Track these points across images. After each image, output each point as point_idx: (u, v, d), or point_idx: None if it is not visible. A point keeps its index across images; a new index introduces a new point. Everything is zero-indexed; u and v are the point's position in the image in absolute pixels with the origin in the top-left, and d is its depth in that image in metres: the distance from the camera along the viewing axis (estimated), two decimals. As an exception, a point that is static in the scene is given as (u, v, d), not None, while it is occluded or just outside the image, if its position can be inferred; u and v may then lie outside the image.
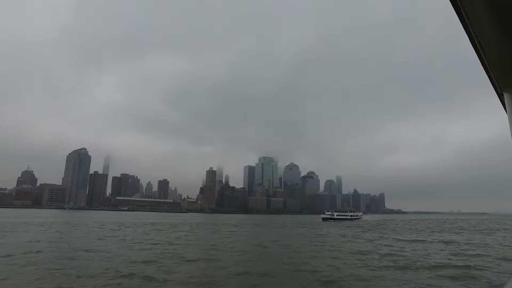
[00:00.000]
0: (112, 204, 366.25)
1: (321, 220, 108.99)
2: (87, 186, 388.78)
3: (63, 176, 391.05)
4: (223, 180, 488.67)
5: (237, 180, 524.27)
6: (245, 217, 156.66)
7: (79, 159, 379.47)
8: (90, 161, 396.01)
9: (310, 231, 55.75)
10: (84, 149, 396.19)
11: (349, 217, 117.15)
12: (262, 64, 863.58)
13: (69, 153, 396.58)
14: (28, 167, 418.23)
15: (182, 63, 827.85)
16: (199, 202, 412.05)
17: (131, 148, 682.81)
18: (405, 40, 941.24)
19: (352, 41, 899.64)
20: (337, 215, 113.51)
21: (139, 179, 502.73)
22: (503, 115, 2.11)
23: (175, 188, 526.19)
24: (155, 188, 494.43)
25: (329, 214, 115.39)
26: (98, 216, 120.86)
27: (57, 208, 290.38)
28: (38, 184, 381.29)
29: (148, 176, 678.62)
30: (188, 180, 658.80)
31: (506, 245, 32.67)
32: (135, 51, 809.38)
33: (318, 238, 41.41)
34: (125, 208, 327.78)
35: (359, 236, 44.61)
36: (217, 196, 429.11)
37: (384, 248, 30.04)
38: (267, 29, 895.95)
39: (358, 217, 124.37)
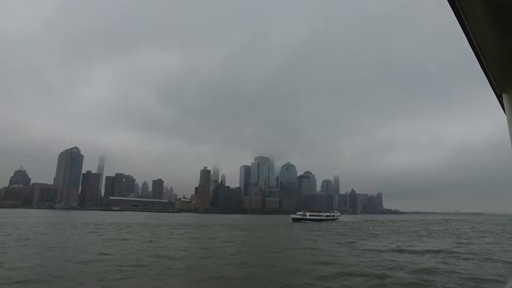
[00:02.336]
0: (105, 204, 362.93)
1: (291, 220, 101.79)
2: (79, 186, 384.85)
3: (54, 176, 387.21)
4: (220, 180, 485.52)
5: (233, 180, 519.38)
6: (231, 217, 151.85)
7: (71, 158, 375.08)
8: (82, 161, 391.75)
9: (270, 233, 51.11)
10: (76, 148, 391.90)
11: (324, 217, 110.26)
12: (256, 59, 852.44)
13: (61, 152, 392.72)
14: (21, 167, 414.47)
15: (173, 58, 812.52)
16: (193, 202, 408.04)
17: (126, 147, 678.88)
18: (403, 38, 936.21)
19: (348, 37, 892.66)
20: (310, 215, 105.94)
21: (134, 179, 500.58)
22: (501, 115, 2.09)
23: (171, 188, 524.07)
24: (150, 188, 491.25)
25: (300, 214, 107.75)
26: (85, 216, 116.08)
27: (47, 208, 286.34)
28: (31, 184, 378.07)
29: (144, 175, 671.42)
30: (184, 179, 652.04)
31: (487, 258, 23.75)
32: (124, 45, 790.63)
33: (265, 243, 36.69)
34: (117, 208, 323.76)
35: (318, 240, 39.51)
36: (212, 196, 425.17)
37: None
38: (261, 23, 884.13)
39: (334, 217, 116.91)
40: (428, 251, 26.55)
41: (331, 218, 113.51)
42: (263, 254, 25.79)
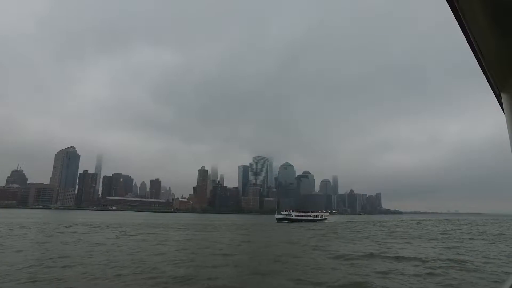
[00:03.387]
0: (101, 204, 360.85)
1: (276, 221, 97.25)
2: (76, 186, 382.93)
3: (51, 176, 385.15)
4: (218, 180, 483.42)
5: (232, 180, 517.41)
6: (222, 217, 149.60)
7: (67, 158, 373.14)
8: (79, 160, 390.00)
9: (237, 236, 48.43)
10: (73, 147, 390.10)
11: (311, 217, 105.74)
12: (252, 57, 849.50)
13: (57, 152, 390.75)
14: (18, 167, 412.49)
15: (169, 56, 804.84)
16: (191, 202, 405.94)
17: (124, 147, 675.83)
18: (402, 38, 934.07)
19: (347, 35, 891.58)
20: (295, 216, 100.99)
21: (132, 179, 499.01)
22: (500, 115, 2.08)
23: (169, 187, 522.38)
24: (149, 188, 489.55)
25: (285, 214, 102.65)
26: (79, 216, 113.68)
27: (42, 208, 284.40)
28: (27, 184, 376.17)
29: (143, 175, 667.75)
30: (182, 179, 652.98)
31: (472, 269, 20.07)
32: (119, 43, 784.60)
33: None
34: (113, 208, 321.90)
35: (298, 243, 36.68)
36: (210, 196, 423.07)
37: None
38: (257, 21, 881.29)
39: (322, 218, 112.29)
40: (405, 258, 23.76)
41: (319, 218, 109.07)
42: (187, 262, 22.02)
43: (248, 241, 37.74)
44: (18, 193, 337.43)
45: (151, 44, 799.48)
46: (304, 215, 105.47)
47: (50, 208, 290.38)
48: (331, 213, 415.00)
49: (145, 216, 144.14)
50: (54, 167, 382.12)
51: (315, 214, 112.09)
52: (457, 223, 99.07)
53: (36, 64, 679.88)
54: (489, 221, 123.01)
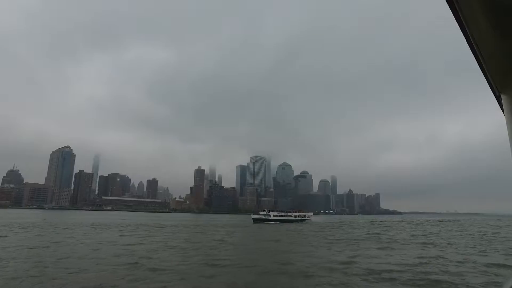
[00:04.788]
0: (97, 204, 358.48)
1: (252, 221, 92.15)
2: (71, 186, 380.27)
3: (46, 175, 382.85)
4: (216, 180, 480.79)
5: (230, 180, 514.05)
6: (213, 217, 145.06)
7: (62, 157, 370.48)
8: (74, 160, 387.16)
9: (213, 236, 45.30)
10: (68, 147, 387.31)
11: (292, 218, 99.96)
12: (249, 54, 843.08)
13: (53, 152, 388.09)
14: (14, 166, 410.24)
15: (164, 53, 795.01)
16: (187, 202, 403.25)
17: (122, 147, 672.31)
18: (401, 38, 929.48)
19: (345, 33, 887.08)
20: (274, 216, 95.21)
21: (130, 179, 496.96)
22: (500, 115, 2.09)
23: (167, 188, 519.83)
24: (146, 188, 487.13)
25: (263, 214, 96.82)
26: (70, 217, 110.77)
27: (36, 208, 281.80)
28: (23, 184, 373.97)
29: (141, 175, 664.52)
30: (179, 179, 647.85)
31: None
32: (113, 40, 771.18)
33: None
34: (108, 208, 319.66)
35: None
36: (206, 196, 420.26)
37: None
38: (253, 17, 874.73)
39: (304, 218, 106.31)
40: (368, 271, 19.15)
41: (301, 219, 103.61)
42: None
43: (174, 246, 31.97)
44: (12, 193, 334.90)
45: (144, 41, 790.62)
46: (284, 216, 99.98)
47: (44, 208, 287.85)
48: (329, 213, 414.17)
49: (132, 216, 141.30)
50: (49, 167, 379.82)
51: (297, 214, 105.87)
52: (450, 224, 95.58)
53: (27, 61, 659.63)
54: (485, 221, 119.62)
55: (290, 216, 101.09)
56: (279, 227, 69.93)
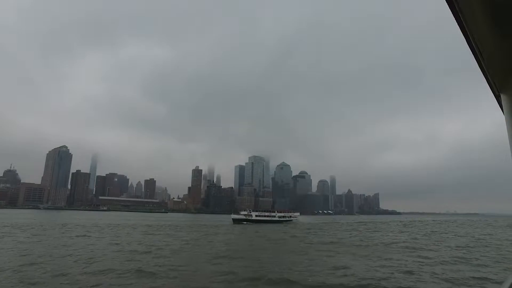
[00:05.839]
0: (94, 204, 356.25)
1: (232, 222, 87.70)
2: (68, 186, 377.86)
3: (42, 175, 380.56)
4: (213, 180, 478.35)
5: (229, 180, 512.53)
6: (206, 217, 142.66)
7: (59, 157, 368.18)
8: (71, 160, 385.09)
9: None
10: (65, 146, 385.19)
11: (276, 218, 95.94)
12: (245, 51, 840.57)
13: (49, 151, 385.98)
14: (11, 166, 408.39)
15: (159, 49, 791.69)
16: (185, 202, 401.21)
17: (120, 147, 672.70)
18: (401, 38, 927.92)
19: (342, 31, 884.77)
20: (256, 216, 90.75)
21: (128, 179, 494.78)
22: (500, 115, 2.09)
23: (166, 188, 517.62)
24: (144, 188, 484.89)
25: (244, 214, 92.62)
26: (63, 217, 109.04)
27: (31, 208, 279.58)
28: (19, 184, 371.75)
29: (139, 175, 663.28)
30: (178, 179, 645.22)
31: None
32: (108, 37, 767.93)
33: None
34: (104, 208, 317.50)
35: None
36: (204, 196, 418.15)
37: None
38: (250, 14, 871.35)
39: (290, 219, 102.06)
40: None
41: (286, 219, 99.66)
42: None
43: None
44: (8, 193, 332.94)
45: (140, 38, 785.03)
46: (268, 216, 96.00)
47: (40, 208, 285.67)
48: (327, 213, 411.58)
49: (126, 216, 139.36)
50: (46, 167, 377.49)
51: (282, 214, 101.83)
52: (445, 224, 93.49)
53: (20, 58, 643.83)
54: (482, 221, 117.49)
55: (274, 216, 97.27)
56: (257, 228, 66.74)
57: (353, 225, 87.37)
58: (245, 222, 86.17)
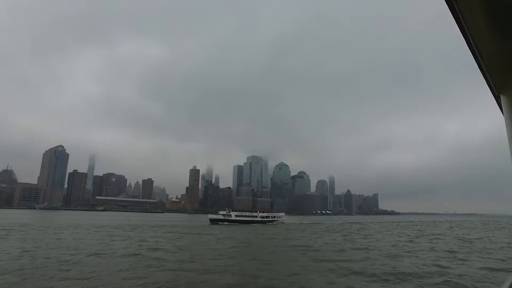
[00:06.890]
0: (91, 204, 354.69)
1: (209, 222, 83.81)
2: (64, 185, 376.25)
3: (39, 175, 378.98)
4: (213, 180, 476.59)
5: (227, 180, 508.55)
6: (200, 217, 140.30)
7: (55, 157, 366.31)
8: (68, 159, 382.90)
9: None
10: (61, 146, 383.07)
11: (258, 218, 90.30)
12: (242, 50, 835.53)
13: (46, 151, 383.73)
14: (7, 166, 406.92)
15: (155, 48, 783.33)
16: (182, 202, 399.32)
17: (118, 146, 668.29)
18: (401, 37, 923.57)
19: (342, 30, 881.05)
20: (236, 216, 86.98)
21: (126, 179, 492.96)
22: (499, 116, 2.09)
23: (164, 188, 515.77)
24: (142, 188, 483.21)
25: (222, 214, 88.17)
26: (59, 217, 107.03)
27: (26, 208, 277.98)
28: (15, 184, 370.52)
29: (138, 175, 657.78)
30: (176, 179, 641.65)
31: None
32: (103, 35, 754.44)
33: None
34: (101, 209, 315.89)
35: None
36: (202, 196, 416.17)
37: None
38: (247, 12, 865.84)
39: (273, 219, 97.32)
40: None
41: (269, 219, 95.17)
42: None
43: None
44: (4, 193, 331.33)
45: (136, 36, 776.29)
46: (249, 216, 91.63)
47: (35, 209, 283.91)
48: (326, 214, 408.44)
49: (117, 216, 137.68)
50: (42, 167, 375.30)
51: (265, 215, 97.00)
52: (441, 225, 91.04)
53: (14, 56, 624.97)
54: (480, 222, 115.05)
55: (256, 216, 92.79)
56: (236, 229, 63.65)
57: (340, 226, 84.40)
58: (223, 223, 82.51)
